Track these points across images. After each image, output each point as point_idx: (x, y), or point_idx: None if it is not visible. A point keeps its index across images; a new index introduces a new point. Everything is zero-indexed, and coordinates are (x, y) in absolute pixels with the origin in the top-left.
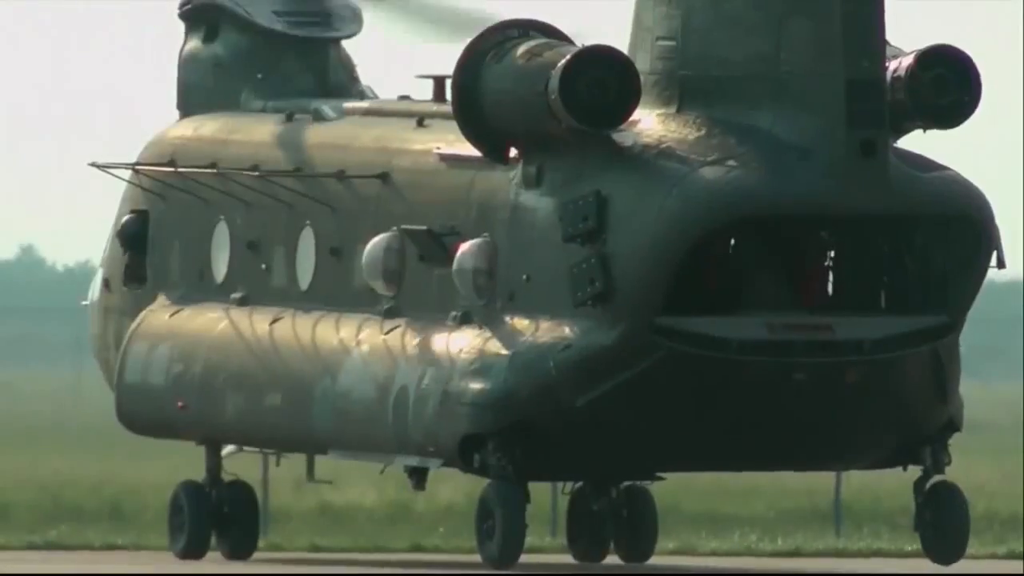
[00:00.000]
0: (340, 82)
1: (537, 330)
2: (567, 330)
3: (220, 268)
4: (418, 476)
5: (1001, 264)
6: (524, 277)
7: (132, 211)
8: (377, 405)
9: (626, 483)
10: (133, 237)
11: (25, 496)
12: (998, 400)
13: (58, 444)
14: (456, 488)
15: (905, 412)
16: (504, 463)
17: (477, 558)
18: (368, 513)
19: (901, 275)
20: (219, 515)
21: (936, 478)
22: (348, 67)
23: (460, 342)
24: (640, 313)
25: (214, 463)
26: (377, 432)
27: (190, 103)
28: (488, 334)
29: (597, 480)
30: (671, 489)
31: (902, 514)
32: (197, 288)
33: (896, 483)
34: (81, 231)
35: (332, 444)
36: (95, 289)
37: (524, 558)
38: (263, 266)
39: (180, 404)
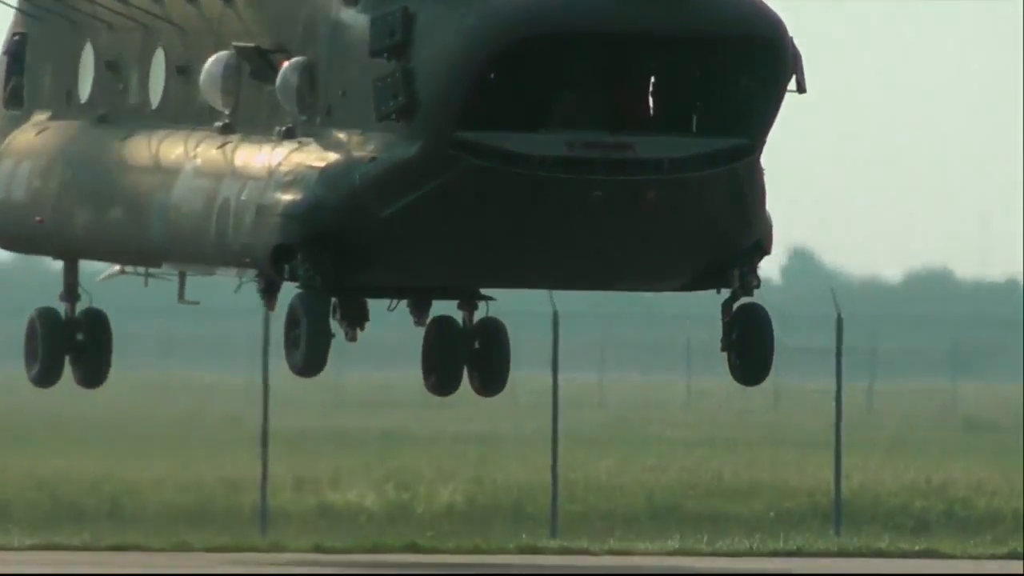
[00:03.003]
0: None
1: (348, 144)
2: (373, 144)
3: (85, 88)
4: (269, 294)
5: (801, 89)
6: (340, 92)
7: (15, 33)
8: (203, 218)
9: (481, 317)
10: (15, 59)
11: (25, 496)
12: (998, 400)
13: (58, 444)
14: (456, 488)
15: (706, 232)
16: (312, 274)
17: (477, 558)
18: (368, 513)
19: (708, 98)
20: (73, 342)
21: (743, 300)
22: None
23: (278, 156)
24: (440, 127)
25: (71, 280)
26: (203, 244)
27: None
28: (304, 148)
29: (414, 298)
30: (671, 489)
31: (902, 514)
32: (65, 108)
33: (896, 483)
34: None
35: (166, 256)
36: None
37: (524, 558)
38: (120, 86)
39: (37, 219)
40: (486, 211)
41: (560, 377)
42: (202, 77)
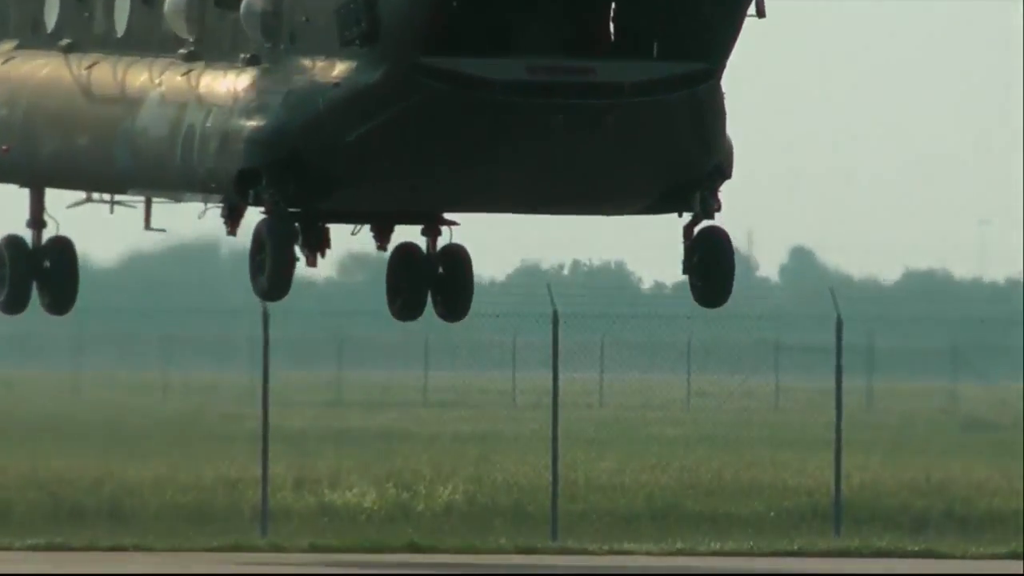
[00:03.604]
0: None
1: (312, 70)
2: (337, 69)
3: (52, 17)
4: (232, 219)
5: (760, 13)
6: (304, 19)
7: None
8: (168, 144)
9: (442, 243)
10: None
11: (25, 496)
12: (998, 400)
13: (58, 444)
14: (456, 488)
15: (666, 156)
16: (277, 198)
17: (477, 558)
18: (367, 513)
19: (668, 22)
20: (40, 269)
21: (704, 223)
22: None
23: (243, 82)
24: (402, 52)
25: (37, 208)
26: (168, 170)
27: None
28: (268, 74)
29: (378, 222)
30: (671, 489)
31: (902, 514)
32: (31, 37)
33: (896, 483)
34: (80, 231)
35: (132, 183)
36: None
37: (524, 559)
38: (86, 15)
39: (4, 148)
40: (448, 135)
41: (560, 377)
42: (167, 5)
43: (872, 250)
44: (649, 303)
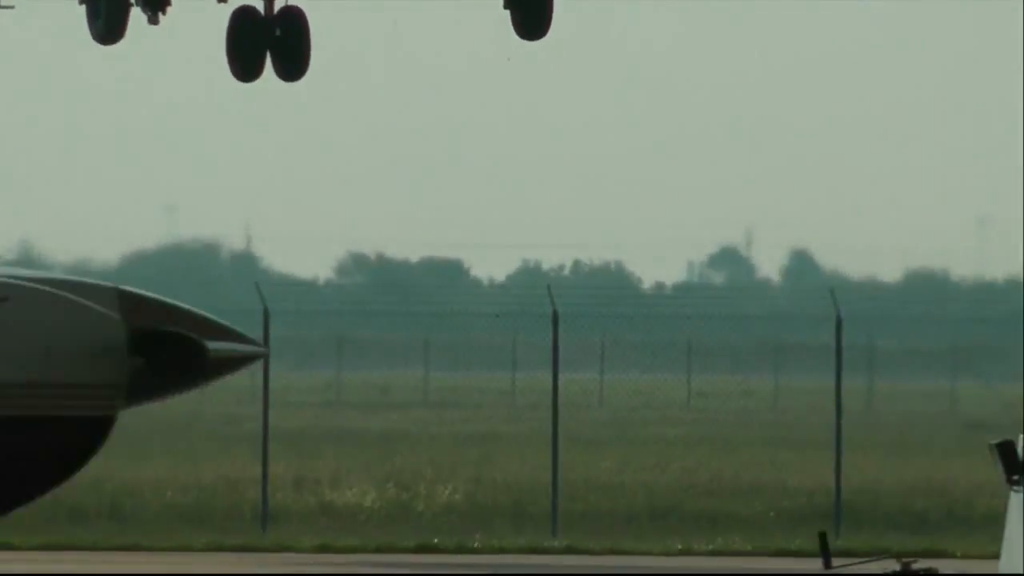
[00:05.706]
0: None
1: None
2: None
3: None
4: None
5: None
6: None
7: None
8: None
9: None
10: None
11: None
12: (998, 400)
13: None
14: (456, 488)
15: None
16: None
17: (479, 558)
18: (367, 513)
19: None
20: None
21: None
22: None
23: None
24: None
25: None
26: None
27: None
28: None
29: None
30: (671, 489)
31: (902, 514)
32: None
33: (896, 483)
34: (80, 230)
35: None
36: None
37: (525, 559)
38: None
39: None
40: None
41: (560, 377)
42: None
43: (872, 250)
44: (649, 303)
